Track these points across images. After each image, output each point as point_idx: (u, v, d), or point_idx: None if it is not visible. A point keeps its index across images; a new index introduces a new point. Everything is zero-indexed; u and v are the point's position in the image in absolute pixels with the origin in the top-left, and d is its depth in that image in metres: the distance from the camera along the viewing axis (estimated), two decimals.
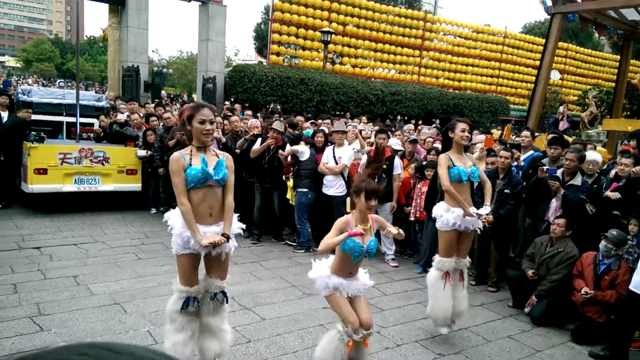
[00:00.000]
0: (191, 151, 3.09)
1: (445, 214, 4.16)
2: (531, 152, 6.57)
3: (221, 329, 3.30)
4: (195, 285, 3.21)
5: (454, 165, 4.13)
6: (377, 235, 3.67)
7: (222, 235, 3.12)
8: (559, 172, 5.42)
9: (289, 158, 6.86)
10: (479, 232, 4.39)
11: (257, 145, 6.84)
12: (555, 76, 21.10)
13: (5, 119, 8.24)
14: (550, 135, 6.75)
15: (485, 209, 4.20)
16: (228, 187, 3.22)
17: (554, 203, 5.35)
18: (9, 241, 6.19)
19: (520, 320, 4.92)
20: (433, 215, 4.35)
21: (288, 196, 6.97)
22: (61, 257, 5.74)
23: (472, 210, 4.12)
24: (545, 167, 5.41)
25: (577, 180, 5.33)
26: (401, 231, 3.49)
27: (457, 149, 4.22)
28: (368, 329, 3.39)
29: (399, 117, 18.42)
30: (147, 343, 3.86)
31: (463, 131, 4.13)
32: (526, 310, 5.00)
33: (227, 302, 3.35)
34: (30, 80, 38.15)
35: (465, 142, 4.19)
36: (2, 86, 17.95)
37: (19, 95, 9.98)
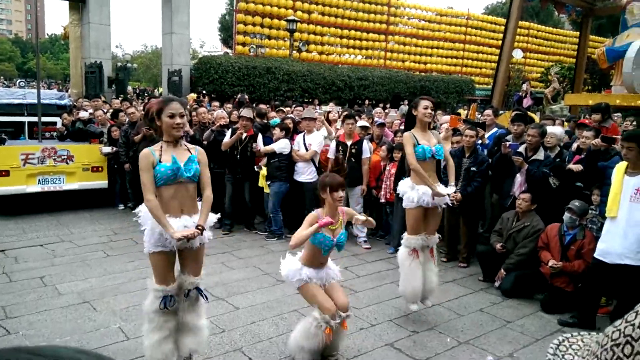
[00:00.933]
0: (161, 147, 3.00)
1: (410, 192, 4.19)
2: (495, 129, 6.69)
3: (197, 325, 3.23)
4: (172, 284, 3.12)
5: (418, 144, 4.16)
6: (349, 225, 3.70)
7: (197, 227, 3.02)
8: (521, 148, 5.54)
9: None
10: (442, 208, 4.37)
11: (227, 138, 6.76)
12: (517, 55, 21.49)
13: None
14: (514, 113, 6.89)
15: (450, 189, 4.29)
16: (205, 182, 3.15)
17: (519, 178, 5.46)
18: None
19: (491, 293, 5.04)
20: (398, 192, 4.37)
21: (261, 184, 6.91)
22: (27, 259, 5.58)
23: (441, 189, 4.18)
24: (508, 143, 5.52)
25: (540, 155, 5.45)
26: (370, 219, 3.55)
27: (421, 126, 4.24)
28: (346, 311, 3.45)
29: (367, 102, 18.49)
30: (118, 339, 3.80)
31: (426, 108, 4.15)
32: (496, 283, 5.12)
33: (205, 299, 3.27)
34: None
35: (428, 119, 4.21)
36: None
37: None
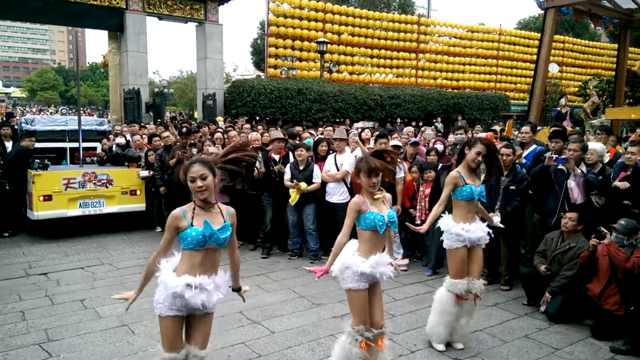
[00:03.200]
0: (194, 209, 2.82)
1: (453, 228, 4.06)
2: (534, 146, 6.49)
3: None
4: (182, 350, 2.84)
5: (465, 183, 4.06)
6: None
7: (235, 290, 3.11)
8: (561, 165, 5.32)
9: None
10: (483, 246, 4.23)
11: (262, 168, 6.82)
12: (553, 69, 21.02)
13: (9, 149, 8.29)
14: (552, 129, 6.67)
15: (496, 218, 4.39)
16: (232, 246, 3.02)
17: (572, 183, 5.17)
18: (16, 269, 6.18)
19: (536, 318, 4.82)
20: (438, 227, 4.24)
21: (293, 200, 6.73)
22: (68, 282, 5.71)
23: (495, 220, 4.31)
24: (554, 156, 5.31)
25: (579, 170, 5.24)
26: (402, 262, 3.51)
27: (465, 167, 4.14)
28: (379, 328, 3.33)
29: (398, 120, 18.38)
30: None
31: (478, 154, 4.04)
32: (541, 308, 4.90)
33: None
34: (34, 109, 38.51)
35: (473, 166, 4.11)
36: (4, 117, 18.13)
37: (22, 124, 10.09)
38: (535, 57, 14.64)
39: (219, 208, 2.89)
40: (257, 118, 15.69)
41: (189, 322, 2.88)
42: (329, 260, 3.32)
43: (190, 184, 2.77)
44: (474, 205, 4.15)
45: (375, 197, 3.34)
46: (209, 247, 2.80)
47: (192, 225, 2.76)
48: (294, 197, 6.54)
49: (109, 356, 3.92)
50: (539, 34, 14.62)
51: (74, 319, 4.65)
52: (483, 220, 4.27)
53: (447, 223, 4.15)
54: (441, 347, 4.07)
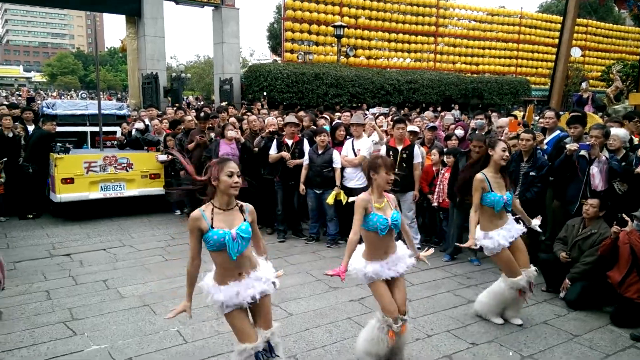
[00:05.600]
0: (212, 210, 2.84)
1: (484, 241, 4.19)
2: (557, 132, 6.38)
3: None
4: (257, 338, 2.90)
5: (491, 191, 4.11)
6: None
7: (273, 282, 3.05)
8: (583, 151, 5.22)
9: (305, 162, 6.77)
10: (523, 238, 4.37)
11: (273, 149, 6.84)
12: (576, 53, 20.49)
13: (31, 133, 8.45)
14: (571, 114, 6.53)
15: (536, 221, 4.44)
16: (257, 238, 3.08)
17: (595, 169, 5.11)
18: (40, 250, 6.34)
19: (555, 304, 4.79)
20: (477, 245, 4.31)
21: (340, 197, 6.61)
22: (91, 263, 5.85)
23: (534, 222, 4.41)
24: (577, 145, 5.22)
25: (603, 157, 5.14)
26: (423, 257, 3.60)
27: (494, 168, 4.15)
28: (403, 315, 3.42)
29: (413, 113, 18.07)
30: (177, 343, 3.89)
31: (504, 151, 4.07)
32: (561, 294, 4.86)
33: (272, 355, 2.97)
34: (54, 94, 39.03)
35: (503, 163, 4.15)
36: (26, 101, 18.41)
37: (44, 108, 10.25)
38: (557, 41, 14.32)
39: (237, 205, 2.93)
40: (261, 104, 15.45)
41: (251, 310, 2.99)
42: (344, 260, 3.42)
43: (227, 178, 2.78)
44: (500, 213, 4.20)
45: (380, 205, 3.41)
46: None
47: (212, 227, 2.79)
48: (331, 198, 6.53)
49: (131, 335, 4.02)
50: (561, 18, 14.27)
51: (96, 298, 4.77)
52: (517, 219, 4.36)
53: (479, 237, 4.24)
54: (500, 320, 4.27)
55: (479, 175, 4.16)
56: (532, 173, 5.46)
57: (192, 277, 2.92)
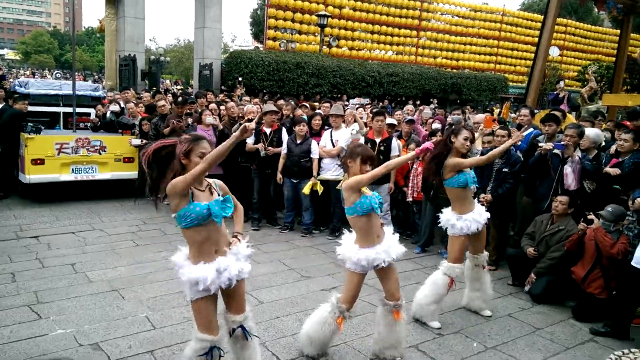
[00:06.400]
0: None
1: (458, 222, 4.21)
2: (530, 129, 6.49)
3: None
4: (218, 332, 2.84)
5: (462, 171, 4.15)
6: None
7: (234, 235, 2.93)
8: (557, 150, 5.33)
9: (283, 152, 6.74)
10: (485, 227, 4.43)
11: (250, 141, 6.78)
12: (554, 52, 20.86)
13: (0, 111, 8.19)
14: (546, 113, 6.65)
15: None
16: (234, 201, 2.91)
17: (568, 169, 5.19)
18: (7, 231, 6.19)
19: (520, 298, 4.91)
20: (442, 225, 4.37)
21: (316, 188, 6.61)
22: (59, 246, 5.74)
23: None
24: (551, 145, 5.31)
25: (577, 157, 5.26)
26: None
27: (456, 155, 4.20)
28: (396, 300, 3.48)
29: (385, 101, 18.12)
30: (145, 329, 3.86)
31: (466, 139, 4.14)
32: (526, 288, 4.99)
33: (248, 338, 2.97)
34: (27, 72, 37.91)
35: (464, 151, 4.21)
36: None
37: (16, 87, 9.94)
38: (536, 39, 14.52)
39: (207, 182, 2.86)
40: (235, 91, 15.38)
41: (224, 294, 2.92)
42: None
43: (199, 159, 2.67)
44: (470, 191, 4.27)
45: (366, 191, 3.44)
46: (211, 220, 2.73)
47: (193, 200, 2.68)
48: (307, 188, 6.52)
49: (98, 320, 3.97)
50: (542, 17, 14.47)
51: (64, 282, 4.69)
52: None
53: (448, 216, 4.29)
54: (437, 324, 4.17)
55: (453, 159, 4.16)
56: (504, 169, 5.55)
57: (217, 151, 2.61)
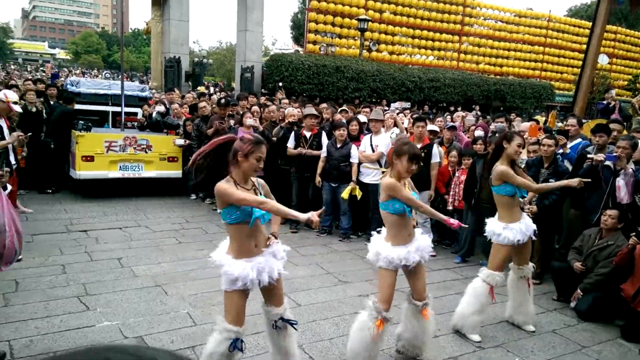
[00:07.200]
0: (235, 184, 2.83)
1: (504, 231, 4.10)
2: (579, 140, 6.29)
3: (291, 352, 3.18)
4: (243, 325, 2.94)
5: None
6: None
7: (271, 234, 3.03)
8: (608, 162, 5.14)
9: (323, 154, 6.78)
10: (534, 238, 4.29)
11: (291, 142, 6.86)
12: (603, 60, 20.12)
13: (52, 109, 8.57)
14: (597, 123, 6.43)
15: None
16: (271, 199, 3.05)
17: (621, 181, 4.98)
18: (58, 224, 6.47)
19: (565, 314, 4.75)
20: (487, 234, 4.26)
21: (355, 193, 6.61)
22: (107, 240, 5.95)
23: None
24: (603, 156, 5.13)
25: (630, 170, 5.05)
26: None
27: (507, 161, 4.10)
28: (422, 300, 3.48)
29: (426, 107, 17.89)
30: (186, 325, 3.95)
31: (519, 146, 4.04)
32: (572, 304, 4.82)
33: (294, 327, 3.14)
34: (77, 72, 39.50)
35: (516, 158, 4.12)
36: (51, 78, 18.70)
37: (68, 86, 10.39)
38: (584, 46, 14.06)
39: (252, 181, 2.98)
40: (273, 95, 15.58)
41: (263, 289, 3.02)
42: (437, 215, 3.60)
43: (255, 162, 2.84)
44: (518, 200, 4.18)
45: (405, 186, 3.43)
46: (253, 219, 2.85)
47: None
48: (346, 193, 6.52)
49: (142, 314, 4.09)
50: (590, 23, 13.99)
51: (110, 275, 4.87)
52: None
53: (493, 226, 4.19)
54: (477, 337, 4.06)
55: (504, 168, 4.06)
56: (551, 180, 5.39)
57: (277, 206, 2.83)
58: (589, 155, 5.28)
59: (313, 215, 2.73)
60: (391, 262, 3.37)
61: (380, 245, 3.45)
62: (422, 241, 3.50)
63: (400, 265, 3.40)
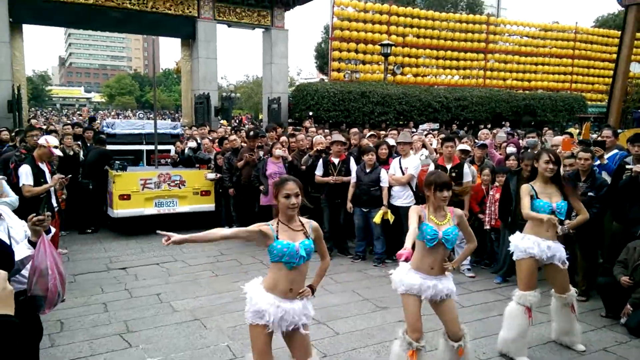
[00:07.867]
0: (278, 223, 2.92)
1: (521, 242, 3.98)
2: (615, 151, 6.10)
3: None
4: None
5: (537, 198, 3.98)
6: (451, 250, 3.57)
7: (309, 286, 2.98)
8: None
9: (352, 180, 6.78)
10: (566, 264, 4.07)
11: (319, 170, 6.92)
12: (635, 69, 19.60)
13: (88, 151, 8.91)
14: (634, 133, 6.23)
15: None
16: (323, 252, 3.11)
17: None
18: (98, 263, 6.65)
19: (616, 331, 4.53)
20: (511, 249, 4.13)
21: (387, 217, 6.57)
22: (145, 277, 6.07)
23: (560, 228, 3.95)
24: None
25: None
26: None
27: (542, 179, 4.03)
28: (457, 341, 3.34)
29: (454, 126, 17.70)
30: (226, 357, 3.96)
31: (547, 162, 3.94)
32: (622, 320, 4.60)
33: None
34: (112, 113, 41.15)
35: (549, 174, 3.98)
36: (88, 121, 19.53)
37: (104, 128, 10.84)
38: (614, 56, 13.78)
39: (301, 223, 2.96)
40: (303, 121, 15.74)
41: (287, 339, 2.95)
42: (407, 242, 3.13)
43: (284, 199, 2.86)
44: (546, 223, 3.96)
45: (439, 222, 3.34)
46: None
47: (277, 238, 2.85)
48: (378, 217, 6.49)
49: (183, 348, 4.12)
50: (619, 32, 13.74)
51: (150, 312, 4.94)
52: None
53: (515, 238, 4.09)
54: (524, 359, 3.91)
55: (525, 186, 4.06)
56: (590, 193, 5.23)
57: (208, 234, 3.03)
58: (627, 166, 5.11)
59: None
60: (407, 287, 3.31)
61: (402, 269, 3.40)
62: (445, 282, 3.36)
63: (418, 293, 3.31)
